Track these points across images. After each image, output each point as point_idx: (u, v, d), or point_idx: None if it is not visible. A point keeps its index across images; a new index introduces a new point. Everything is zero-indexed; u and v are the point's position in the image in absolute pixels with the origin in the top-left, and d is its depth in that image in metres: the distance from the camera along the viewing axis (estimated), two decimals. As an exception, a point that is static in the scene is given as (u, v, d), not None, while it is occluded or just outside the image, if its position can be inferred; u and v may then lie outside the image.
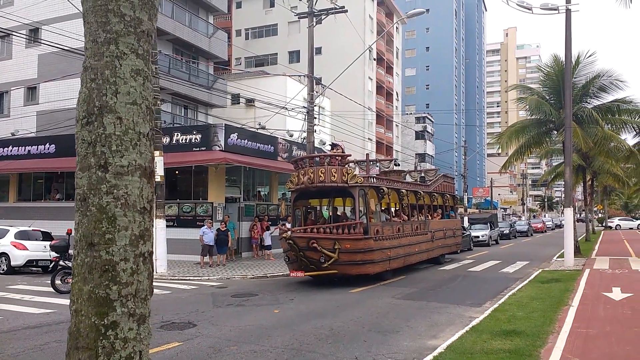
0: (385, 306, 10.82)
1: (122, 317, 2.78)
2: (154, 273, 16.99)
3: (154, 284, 14.48)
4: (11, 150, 24.46)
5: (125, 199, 2.83)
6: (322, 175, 13.74)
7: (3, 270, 16.06)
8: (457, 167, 67.93)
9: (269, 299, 11.84)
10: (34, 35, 24.78)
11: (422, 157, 65.81)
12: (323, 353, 7.09)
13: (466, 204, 48.88)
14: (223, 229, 18.10)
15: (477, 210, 59.38)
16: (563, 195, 39.42)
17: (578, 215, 66.28)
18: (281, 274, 15.90)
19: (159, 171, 16.35)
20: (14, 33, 20.16)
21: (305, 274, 13.60)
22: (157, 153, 16.20)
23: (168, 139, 19.89)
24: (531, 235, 45.60)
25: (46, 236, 16.72)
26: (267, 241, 20.66)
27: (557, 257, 20.78)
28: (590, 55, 21.24)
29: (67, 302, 11.21)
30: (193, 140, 20.26)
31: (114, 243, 2.79)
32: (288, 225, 15.68)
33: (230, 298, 11.88)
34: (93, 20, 2.89)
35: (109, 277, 2.77)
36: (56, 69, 24.86)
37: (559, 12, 18.05)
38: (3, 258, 16.16)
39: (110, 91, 2.84)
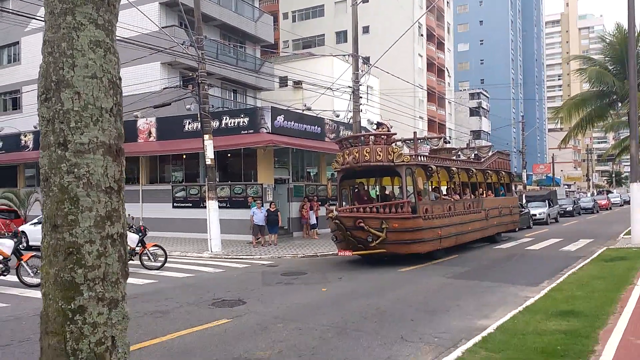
0: (434, 285, 10.58)
1: (89, 301, 2.66)
2: (209, 252, 17.32)
3: (209, 262, 14.77)
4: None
5: (88, 178, 2.69)
6: (367, 154, 13.52)
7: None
8: (515, 144, 65.30)
9: (318, 277, 11.87)
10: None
11: (477, 134, 63.75)
12: (368, 332, 7.01)
13: (525, 181, 46.92)
14: (273, 210, 18.32)
15: (538, 188, 56.91)
16: (631, 170, 36.91)
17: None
18: (331, 253, 15.90)
19: (209, 154, 16.71)
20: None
21: (354, 253, 13.53)
22: (206, 137, 16.56)
23: (217, 123, 20.28)
24: (597, 212, 43.33)
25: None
26: (312, 220, 21.04)
27: (624, 235, 19.62)
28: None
29: (136, 280, 11.49)
30: (241, 124, 20.53)
31: (77, 224, 2.66)
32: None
33: (279, 276, 12.02)
34: None
35: (73, 260, 2.65)
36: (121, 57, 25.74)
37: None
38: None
39: (67, 64, 2.69)
